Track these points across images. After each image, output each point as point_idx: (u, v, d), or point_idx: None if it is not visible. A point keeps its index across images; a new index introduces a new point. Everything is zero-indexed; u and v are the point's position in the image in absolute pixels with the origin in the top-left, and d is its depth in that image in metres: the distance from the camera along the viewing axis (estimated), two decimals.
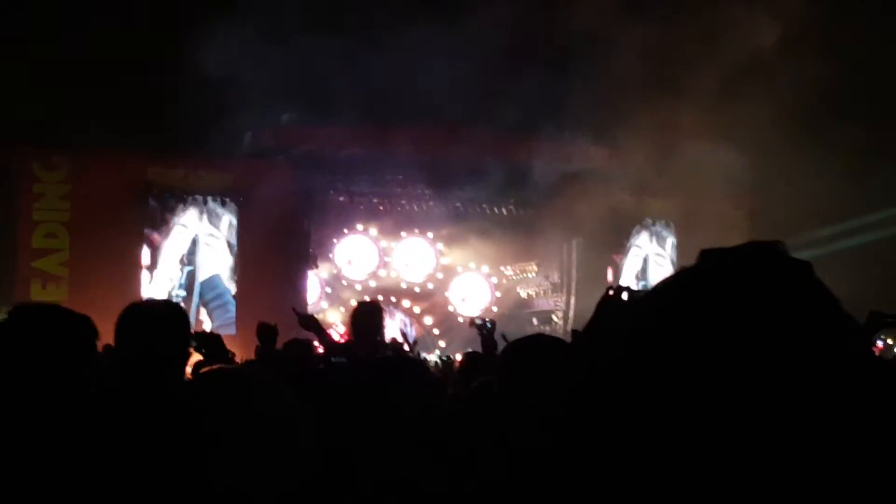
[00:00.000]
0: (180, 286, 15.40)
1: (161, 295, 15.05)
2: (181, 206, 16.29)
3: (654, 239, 20.65)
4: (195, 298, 15.53)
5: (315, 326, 5.65)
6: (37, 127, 15.70)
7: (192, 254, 15.62)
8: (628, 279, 20.47)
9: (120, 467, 1.89)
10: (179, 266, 15.62)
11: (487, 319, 6.39)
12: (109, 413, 2.25)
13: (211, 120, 16.32)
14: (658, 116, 16.13)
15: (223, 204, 15.92)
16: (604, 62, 15.47)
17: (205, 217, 15.49)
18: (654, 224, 20.56)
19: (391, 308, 19.29)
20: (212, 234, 15.59)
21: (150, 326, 2.49)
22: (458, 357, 12.87)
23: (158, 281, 15.44)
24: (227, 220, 15.46)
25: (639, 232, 20.55)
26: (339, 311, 19.66)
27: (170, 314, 2.69)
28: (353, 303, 18.72)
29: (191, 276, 15.51)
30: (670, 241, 20.57)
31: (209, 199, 15.47)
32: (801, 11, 13.66)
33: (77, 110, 15.18)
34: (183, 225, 15.63)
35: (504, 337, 4.94)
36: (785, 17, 14.28)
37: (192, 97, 15.28)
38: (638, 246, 20.61)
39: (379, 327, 5.48)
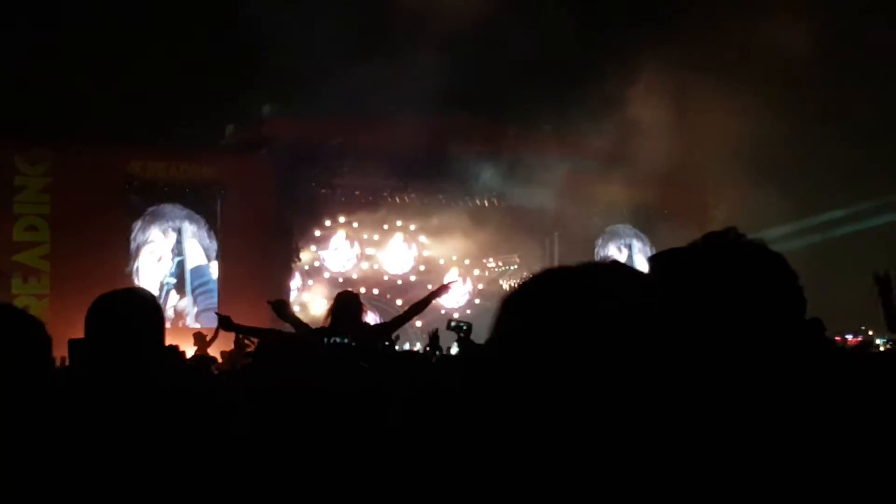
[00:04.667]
0: (171, 274, 16.54)
1: (153, 282, 16.09)
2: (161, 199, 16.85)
3: (622, 249, 21.16)
4: (188, 285, 16.64)
5: (290, 316, 5.78)
6: (19, 120, 15.60)
7: (179, 244, 16.70)
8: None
9: (110, 452, 1.92)
10: (171, 256, 16.65)
11: (463, 322, 6.50)
12: (90, 401, 2.27)
13: (192, 113, 16.30)
14: (642, 109, 16.23)
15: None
16: (588, 56, 15.56)
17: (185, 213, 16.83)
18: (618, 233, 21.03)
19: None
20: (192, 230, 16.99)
21: (126, 315, 2.49)
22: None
23: (149, 271, 16.43)
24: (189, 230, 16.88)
25: (606, 243, 21.00)
26: (322, 305, 19.66)
27: (142, 301, 2.68)
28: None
29: (181, 266, 16.63)
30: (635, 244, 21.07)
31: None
32: None
33: (59, 104, 15.11)
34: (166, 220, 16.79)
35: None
36: None
37: (173, 90, 15.25)
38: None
39: (359, 314, 5.63)
